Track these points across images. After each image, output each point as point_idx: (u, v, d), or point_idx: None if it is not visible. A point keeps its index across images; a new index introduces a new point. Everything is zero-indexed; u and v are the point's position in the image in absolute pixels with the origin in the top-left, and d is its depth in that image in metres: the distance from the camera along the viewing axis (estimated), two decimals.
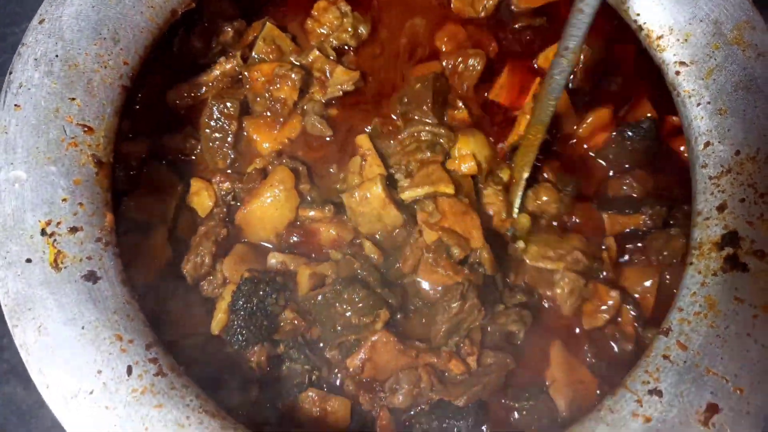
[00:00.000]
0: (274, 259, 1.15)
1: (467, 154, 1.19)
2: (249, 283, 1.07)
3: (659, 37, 1.13)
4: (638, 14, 1.15)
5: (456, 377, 1.11)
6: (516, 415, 1.12)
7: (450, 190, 1.15)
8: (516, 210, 1.23)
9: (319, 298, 1.09)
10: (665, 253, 1.15)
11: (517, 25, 1.33)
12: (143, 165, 1.16)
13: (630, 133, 1.22)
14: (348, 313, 1.07)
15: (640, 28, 1.15)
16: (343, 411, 1.08)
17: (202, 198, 1.18)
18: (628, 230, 1.20)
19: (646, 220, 1.18)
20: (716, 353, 0.96)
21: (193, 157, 1.23)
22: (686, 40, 1.11)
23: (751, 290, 0.99)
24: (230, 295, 1.10)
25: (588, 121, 1.25)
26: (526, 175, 1.20)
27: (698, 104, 1.09)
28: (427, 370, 1.10)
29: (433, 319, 1.12)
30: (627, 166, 1.24)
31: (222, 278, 1.14)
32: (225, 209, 1.18)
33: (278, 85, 1.21)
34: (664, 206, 1.17)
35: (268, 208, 1.15)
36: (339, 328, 1.10)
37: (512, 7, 1.34)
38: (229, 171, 1.22)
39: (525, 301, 1.17)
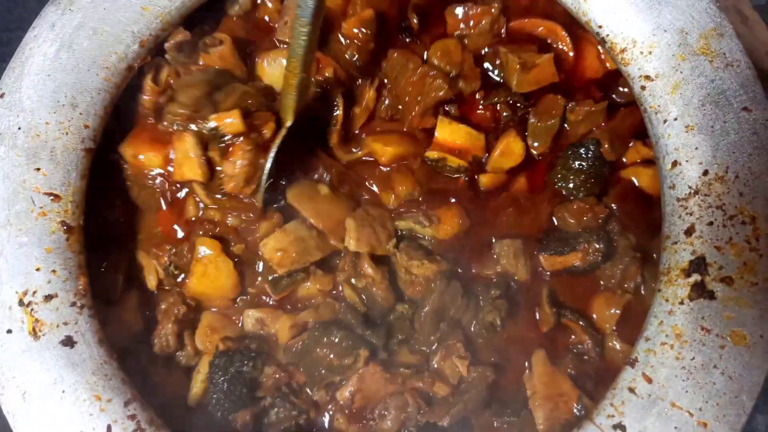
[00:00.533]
0: (248, 319, 1.16)
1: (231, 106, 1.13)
2: (223, 356, 1.10)
3: (623, 50, 1.07)
4: (600, 26, 1.09)
5: (441, 398, 1.14)
6: (499, 429, 1.14)
7: (197, 176, 1.13)
8: (264, 179, 1.13)
9: (299, 345, 1.12)
10: (628, 283, 1.13)
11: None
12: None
13: (569, 152, 1.18)
14: (330, 356, 1.10)
15: (603, 41, 1.09)
16: None
17: (147, 275, 1.18)
18: (570, 267, 1.16)
19: (585, 257, 1.14)
20: (681, 386, 0.95)
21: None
22: (650, 52, 1.05)
23: (719, 319, 0.96)
24: (205, 367, 1.13)
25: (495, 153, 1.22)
26: (289, 122, 1.11)
27: (665, 121, 1.04)
28: (413, 394, 1.12)
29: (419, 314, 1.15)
30: (574, 192, 1.20)
31: (194, 350, 1.15)
32: (175, 281, 1.18)
33: None
34: (600, 241, 1.13)
35: (206, 282, 1.14)
36: (323, 371, 1.12)
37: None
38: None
39: (500, 293, 1.17)
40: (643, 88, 1.06)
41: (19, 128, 1.07)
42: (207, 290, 1.16)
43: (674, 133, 1.04)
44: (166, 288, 1.18)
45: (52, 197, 1.06)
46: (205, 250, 1.14)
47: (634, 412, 0.96)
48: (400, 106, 1.24)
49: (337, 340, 1.10)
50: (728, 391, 0.94)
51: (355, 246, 1.13)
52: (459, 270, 1.20)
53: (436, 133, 1.20)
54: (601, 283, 1.16)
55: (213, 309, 1.18)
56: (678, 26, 1.04)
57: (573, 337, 1.16)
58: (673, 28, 1.04)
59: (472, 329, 1.18)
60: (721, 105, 1.01)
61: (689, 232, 1.00)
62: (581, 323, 1.15)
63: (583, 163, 1.17)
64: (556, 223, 1.20)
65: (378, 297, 1.15)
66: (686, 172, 1.02)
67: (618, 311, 1.13)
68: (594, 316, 1.16)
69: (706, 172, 1.01)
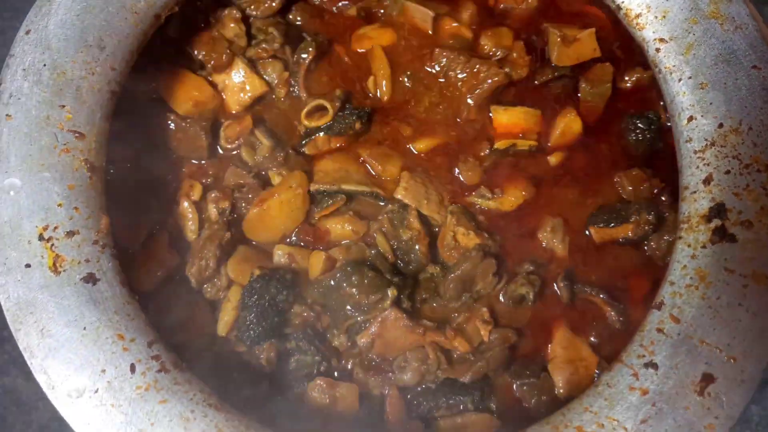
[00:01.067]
0: (280, 251, 1.16)
1: None
2: (261, 280, 1.09)
3: (637, 15, 1.15)
4: None
5: (461, 355, 1.13)
6: (518, 390, 1.14)
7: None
8: None
9: (330, 281, 1.12)
10: (671, 257, 1.14)
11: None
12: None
13: (630, 125, 1.23)
14: (358, 294, 1.10)
15: (619, 7, 1.17)
16: (351, 397, 1.10)
17: (186, 223, 1.19)
18: (620, 239, 1.19)
19: (636, 229, 1.17)
20: (709, 324, 0.97)
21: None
22: (664, 16, 1.13)
23: (741, 260, 1.00)
24: (236, 296, 1.12)
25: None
26: None
27: (680, 80, 1.11)
28: (434, 347, 1.12)
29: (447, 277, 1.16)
30: (632, 163, 1.24)
31: (227, 280, 1.15)
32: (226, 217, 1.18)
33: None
34: (651, 212, 1.16)
35: (282, 210, 1.16)
36: (348, 308, 1.12)
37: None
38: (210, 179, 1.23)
39: (533, 269, 1.19)
40: (657, 50, 1.13)
41: (44, 65, 1.04)
42: (276, 217, 1.16)
43: (689, 90, 1.10)
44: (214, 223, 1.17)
45: (76, 135, 1.03)
46: (300, 182, 1.17)
47: (665, 350, 0.97)
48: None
49: (367, 279, 1.10)
50: (754, 328, 0.97)
51: (402, 195, 1.17)
52: (501, 252, 1.21)
53: (494, 123, 1.24)
54: (646, 252, 1.19)
55: (254, 242, 1.19)
56: None
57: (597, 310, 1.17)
58: None
59: (499, 301, 1.18)
60: (732, 63, 1.08)
61: (707, 181, 1.05)
62: (602, 296, 1.17)
63: (644, 134, 1.22)
64: (621, 191, 1.22)
65: (418, 253, 1.16)
66: (702, 126, 1.08)
67: (648, 283, 1.16)
68: (626, 287, 1.18)
69: (721, 125, 1.06)
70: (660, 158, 1.23)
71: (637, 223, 1.17)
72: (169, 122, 1.22)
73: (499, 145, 1.23)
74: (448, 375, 1.12)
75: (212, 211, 1.17)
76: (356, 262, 1.12)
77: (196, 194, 1.19)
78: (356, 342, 1.12)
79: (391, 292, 1.10)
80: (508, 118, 1.24)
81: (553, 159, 1.25)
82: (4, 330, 0.93)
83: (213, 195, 1.18)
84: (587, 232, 1.21)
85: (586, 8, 1.30)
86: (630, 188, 1.21)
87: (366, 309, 1.11)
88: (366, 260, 1.14)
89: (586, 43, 1.24)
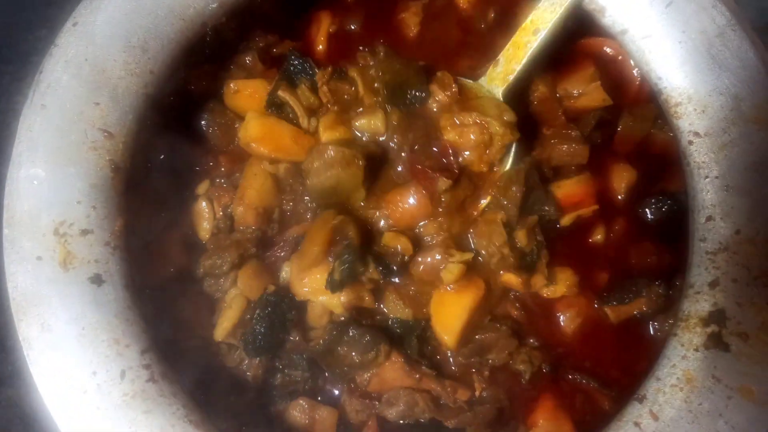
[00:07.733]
0: (288, 268, 1.18)
1: None
2: (275, 296, 1.12)
3: (677, 104, 1.13)
4: (660, 78, 1.15)
5: (455, 404, 1.14)
6: None
7: None
8: None
9: (320, 345, 1.12)
10: None
11: None
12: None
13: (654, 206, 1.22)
14: (353, 353, 1.11)
15: (660, 92, 1.15)
16: (329, 420, 1.12)
17: (200, 222, 1.21)
18: (635, 313, 1.19)
19: (649, 302, 1.17)
20: (686, 429, 0.98)
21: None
22: (703, 111, 1.11)
23: (730, 371, 1.00)
24: (238, 305, 1.14)
25: None
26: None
27: (706, 177, 1.10)
28: (425, 397, 1.13)
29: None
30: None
31: (229, 284, 1.17)
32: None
33: None
34: (660, 283, 1.16)
35: None
36: (345, 369, 1.13)
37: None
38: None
39: (539, 344, 1.19)
40: (690, 143, 1.12)
41: (86, 60, 1.06)
42: None
43: (713, 190, 1.09)
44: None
45: (105, 134, 1.05)
46: None
47: None
48: None
49: (357, 335, 1.10)
50: None
51: None
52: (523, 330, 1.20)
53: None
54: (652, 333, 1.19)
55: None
56: (734, 92, 1.10)
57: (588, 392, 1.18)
58: (729, 93, 1.10)
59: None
60: (763, 173, 1.07)
61: (713, 284, 1.05)
62: (592, 384, 1.16)
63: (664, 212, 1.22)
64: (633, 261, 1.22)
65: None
66: (719, 229, 1.07)
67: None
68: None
69: (738, 232, 1.06)
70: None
71: (648, 296, 1.17)
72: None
73: (565, 222, 1.21)
74: (435, 416, 1.13)
75: (250, 219, 1.18)
76: (339, 323, 1.12)
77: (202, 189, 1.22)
78: (354, 379, 1.14)
79: (384, 348, 1.10)
80: (564, 191, 1.21)
81: (597, 236, 1.23)
82: (8, 341, 0.94)
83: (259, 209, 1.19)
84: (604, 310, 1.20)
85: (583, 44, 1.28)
86: (638, 260, 1.21)
87: (363, 366, 1.12)
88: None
89: (593, 96, 1.23)
